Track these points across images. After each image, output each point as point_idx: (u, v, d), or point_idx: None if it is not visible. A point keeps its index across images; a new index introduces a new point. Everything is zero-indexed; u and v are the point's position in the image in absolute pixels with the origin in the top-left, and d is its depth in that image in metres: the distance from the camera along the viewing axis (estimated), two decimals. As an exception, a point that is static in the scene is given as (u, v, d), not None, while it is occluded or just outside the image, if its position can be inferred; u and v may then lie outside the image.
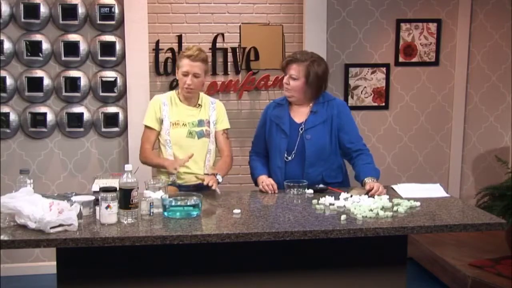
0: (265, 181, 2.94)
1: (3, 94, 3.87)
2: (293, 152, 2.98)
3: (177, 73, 3.02)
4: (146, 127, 3.06)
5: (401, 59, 4.29)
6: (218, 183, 2.84)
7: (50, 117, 3.94)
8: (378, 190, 2.75)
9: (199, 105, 3.06)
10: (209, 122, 3.06)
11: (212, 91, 4.10)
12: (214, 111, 3.09)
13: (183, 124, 3.00)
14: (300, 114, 3.03)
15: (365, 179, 2.85)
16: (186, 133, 3.00)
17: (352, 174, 3.04)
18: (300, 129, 2.98)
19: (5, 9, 3.82)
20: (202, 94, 3.13)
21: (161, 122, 3.02)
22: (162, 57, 4.04)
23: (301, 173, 2.97)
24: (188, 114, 3.03)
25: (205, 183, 2.78)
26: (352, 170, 3.04)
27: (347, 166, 3.13)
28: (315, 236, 2.24)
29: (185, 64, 2.94)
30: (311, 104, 3.02)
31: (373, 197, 2.67)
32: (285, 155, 2.99)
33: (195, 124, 3.02)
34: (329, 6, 4.11)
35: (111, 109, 4.01)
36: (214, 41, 4.08)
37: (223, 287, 2.45)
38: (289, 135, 2.99)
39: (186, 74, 2.94)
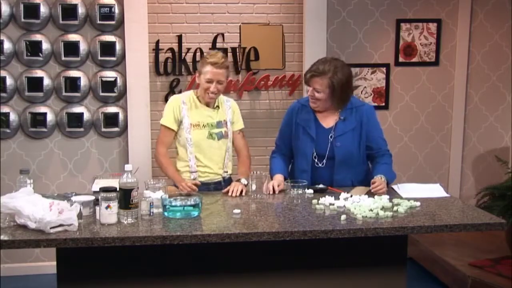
0: (272, 181, 2.91)
1: (3, 94, 3.87)
2: (324, 159, 2.95)
3: (199, 77, 3.01)
4: (164, 127, 3.04)
5: (401, 59, 4.28)
6: (245, 185, 2.89)
7: (50, 117, 3.94)
8: (378, 187, 2.74)
9: (216, 106, 3.08)
10: (226, 123, 3.09)
11: (212, 91, 4.10)
12: (230, 110, 3.12)
13: (203, 125, 3.02)
14: (327, 119, 2.99)
15: (376, 176, 2.85)
16: (206, 134, 3.02)
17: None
18: (330, 136, 2.95)
19: (5, 9, 3.82)
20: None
21: (180, 122, 3.03)
22: (162, 57, 4.03)
23: (330, 178, 2.95)
24: (207, 115, 3.04)
25: (229, 194, 2.82)
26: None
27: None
28: (315, 236, 2.24)
29: (209, 72, 2.94)
30: (339, 110, 2.98)
31: (373, 197, 2.66)
32: (316, 160, 2.97)
33: (214, 125, 3.04)
34: (329, 6, 4.11)
35: (111, 109, 4.01)
36: (214, 41, 4.08)
37: (223, 287, 2.45)
38: (315, 139, 2.96)
39: (210, 81, 2.95)
